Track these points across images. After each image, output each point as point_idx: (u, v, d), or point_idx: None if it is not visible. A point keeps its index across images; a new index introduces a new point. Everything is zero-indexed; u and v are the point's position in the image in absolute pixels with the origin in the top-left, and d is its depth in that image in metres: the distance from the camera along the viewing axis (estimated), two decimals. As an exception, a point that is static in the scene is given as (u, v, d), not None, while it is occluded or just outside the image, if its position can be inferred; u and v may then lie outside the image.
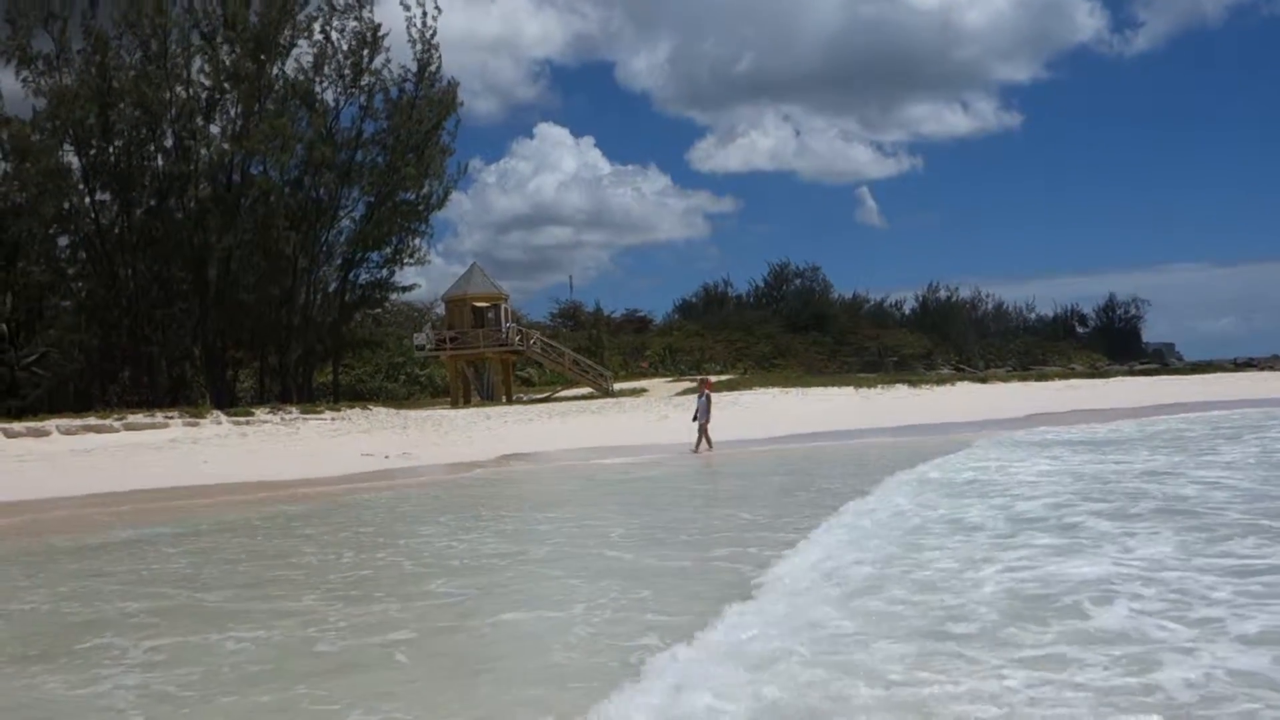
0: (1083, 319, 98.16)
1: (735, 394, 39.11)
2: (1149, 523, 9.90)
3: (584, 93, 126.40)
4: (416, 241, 47.77)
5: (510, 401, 43.14)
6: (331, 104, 45.84)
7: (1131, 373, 66.74)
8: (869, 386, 44.98)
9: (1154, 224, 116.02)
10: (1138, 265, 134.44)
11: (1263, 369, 67.55)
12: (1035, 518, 10.60)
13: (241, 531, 12.78)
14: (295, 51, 44.41)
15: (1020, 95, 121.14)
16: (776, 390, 41.61)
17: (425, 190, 46.96)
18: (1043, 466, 15.69)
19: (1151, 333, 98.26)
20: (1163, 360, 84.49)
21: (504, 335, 45.01)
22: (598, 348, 58.53)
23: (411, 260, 47.94)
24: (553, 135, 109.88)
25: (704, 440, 22.15)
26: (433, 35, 45.89)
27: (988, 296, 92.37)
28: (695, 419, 22.49)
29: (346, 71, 45.16)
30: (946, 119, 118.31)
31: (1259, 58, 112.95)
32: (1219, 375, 60.58)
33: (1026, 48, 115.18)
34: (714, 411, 22.84)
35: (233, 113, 44.06)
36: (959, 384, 50.18)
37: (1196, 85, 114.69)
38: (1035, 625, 6.37)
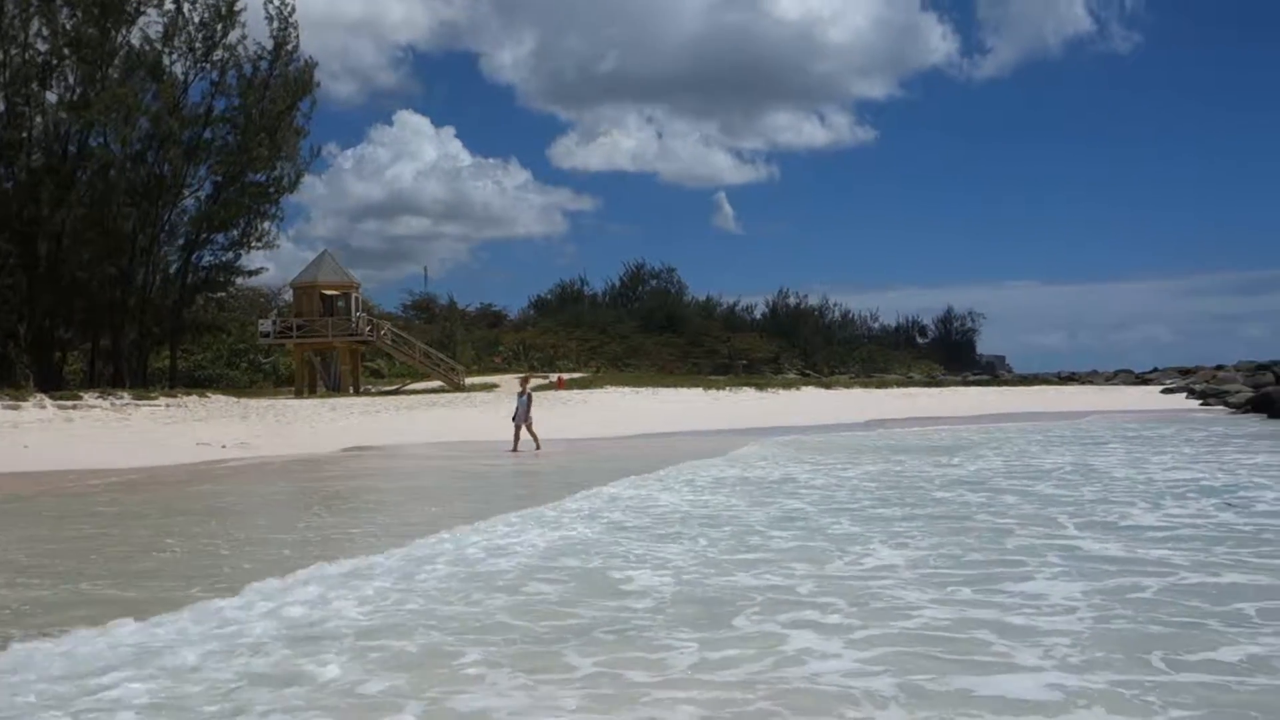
0: (923, 330, 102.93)
1: (586, 393, 39.49)
2: (886, 527, 10.24)
3: (447, 82, 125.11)
4: (265, 225, 46.26)
5: (358, 393, 42.39)
6: (180, 77, 44.02)
7: (965, 383, 70.51)
8: (718, 388, 46.13)
9: (993, 242, 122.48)
10: (976, 280, 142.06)
11: (1083, 383, 72.52)
12: (790, 516, 11.11)
13: (58, 520, 12.34)
14: (143, 20, 42.45)
15: (874, 111, 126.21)
16: (628, 390, 42.21)
17: (277, 172, 45.58)
18: (847, 471, 16.52)
19: (985, 345, 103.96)
20: (994, 372, 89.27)
21: (353, 325, 44.22)
22: (451, 341, 58.14)
23: (259, 244, 46.42)
24: (413, 123, 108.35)
25: (529, 437, 21.72)
26: (291, 12, 44.65)
27: (835, 305, 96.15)
28: (514, 419, 21.95)
29: (198, 45, 43.42)
30: (804, 130, 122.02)
31: (1092, 88, 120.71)
32: (1043, 388, 64.72)
33: (882, 66, 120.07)
34: (565, 409, 23.02)
35: (71, 79, 41.80)
36: (805, 388, 51.99)
37: (1037, 110, 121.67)
38: (673, 630, 6.25)
